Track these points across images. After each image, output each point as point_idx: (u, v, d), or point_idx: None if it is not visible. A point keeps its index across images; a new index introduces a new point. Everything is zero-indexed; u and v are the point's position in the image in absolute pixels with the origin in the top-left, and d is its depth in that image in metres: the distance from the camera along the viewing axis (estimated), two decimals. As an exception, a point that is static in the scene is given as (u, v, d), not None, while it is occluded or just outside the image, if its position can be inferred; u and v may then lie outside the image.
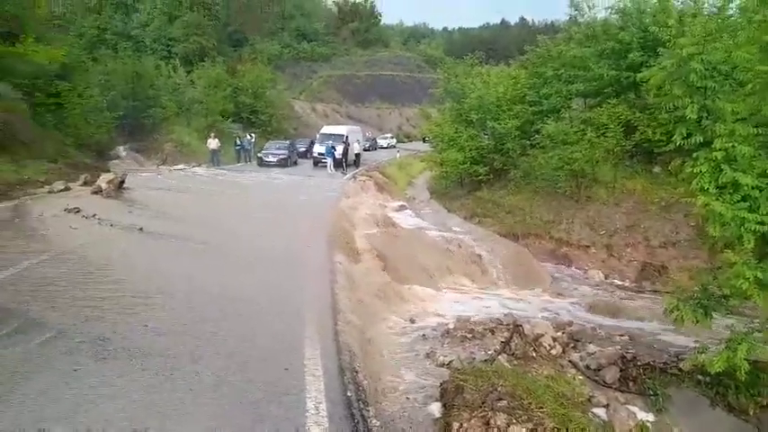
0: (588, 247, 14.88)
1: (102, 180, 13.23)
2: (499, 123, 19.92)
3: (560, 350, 7.64)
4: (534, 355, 7.40)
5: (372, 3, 73.22)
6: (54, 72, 20.05)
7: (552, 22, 73.34)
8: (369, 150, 42.57)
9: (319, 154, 29.04)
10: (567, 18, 22.87)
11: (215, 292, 6.29)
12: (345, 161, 27.96)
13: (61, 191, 12.78)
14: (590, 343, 7.85)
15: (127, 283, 6.32)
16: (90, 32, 41.23)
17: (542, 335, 7.81)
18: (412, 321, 8.31)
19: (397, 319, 8.35)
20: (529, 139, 19.16)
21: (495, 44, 79.10)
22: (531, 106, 20.37)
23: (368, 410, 3.99)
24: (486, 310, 9.64)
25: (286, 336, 5.05)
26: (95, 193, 12.60)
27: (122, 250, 7.96)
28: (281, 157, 28.57)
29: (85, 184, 13.80)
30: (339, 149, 27.81)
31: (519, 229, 16.13)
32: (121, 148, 28.53)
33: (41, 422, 3.21)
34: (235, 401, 3.65)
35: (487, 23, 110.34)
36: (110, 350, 4.26)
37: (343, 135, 30.30)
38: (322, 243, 9.87)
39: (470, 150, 20.61)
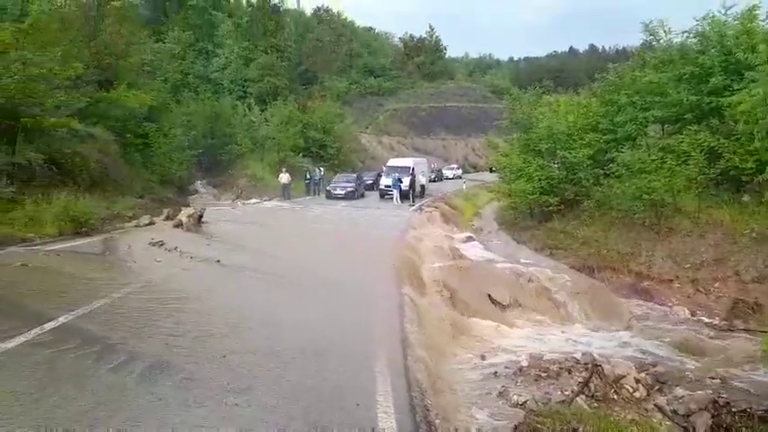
0: (671, 281, 13.99)
1: (183, 214, 14.01)
2: (570, 153, 19.41)
3: (644, 393, 7.16)
4: (616, 397, 6.97)
5: (437, 37, 74.45)
6: (143, 114, 21.72)
7: (624, 47, 71.47)
8: (434, 181, 42.64)
9: (386, 186, 29.43)
10: (640, 43, 22.22)
11: (288, 323, 6.42)
12: (412, 193, 28.15)
13: (146, 225, 13.63)
14: (677, 386, 7.29)
15: (206, 314, 6.58)
16: (174, 77, 44.30)
17: (624, 376, 7.35)
18: (482, 358, 8.09)
19: (466, 354, 8.17)
20: (602, 168, 18.50)
21: (563, 72, 77.94)
22: (604, 134, 19.76)
23: (440, 451, 3.88)
24: (561, 348, 9.21)
25: (356, 369, 5.04)
26: (177, 226, 13.33)
27: (202, 283, 8.33)
28: (348, 189, 29.20)
29: (168, 218, 14.66)
30: (405, 181, 28.07)
31: (594, 262, 15.44)
32: (200, 183, 30.23)
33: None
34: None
35: (555, 52, 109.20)
36: (191, 381, 4.40)
37: (409, 167, 30.63)
38: (389, 275, 9.88)
39: (540, 180, 20.16)
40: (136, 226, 13.51)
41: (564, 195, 19.94)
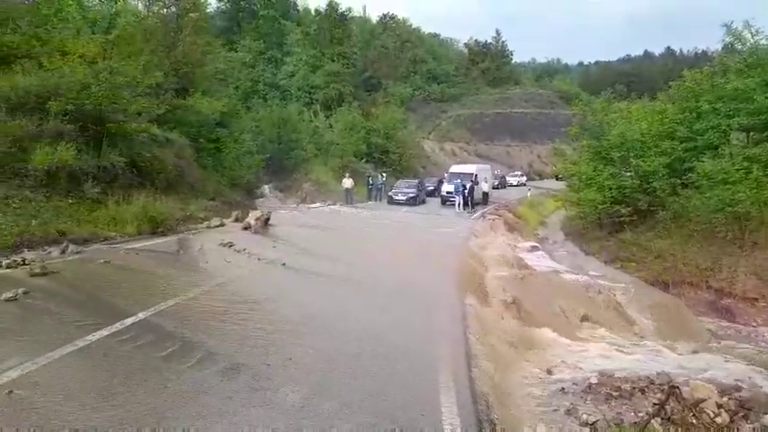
0: (756, 299, 13.01)
1: (251, 217, 14.44)
2: (644, 161, 18.50)
3: (727, 419, 6.62)
4: (695, 422, 6.49)
5: (504, 42, 73.48)
6: (215, 120, 22.65)
7: (704, 51, 67.63)
8: (498, 189, 41.93)
9: (447, 192, 29.20)
10: (722, 46, 20.92)
11: (351, 327, 6.47)
12: (472, 200, 27.77)
13: (217, 226, 14.17)
14: (766, 414, 6.72)
15: (273, 315, 6.73)
16: (245, 84, 46.11)
17: (704, 399, 6.83)
18: (549, 372, 7.78)
19: (532, 368, 7.89)
20: (680, 178, 17.51)
21: (636, 77, 74.72)
22: (681, 143, 18.69)
23: (508, 469, 3.75)
24: (633, 366, 8.72)
25: (420, 379, 4.99)
26: (245, 228, 13.76)
27: (269, 284, 8.55)
28: (409, 195, 29.19)
29: (237, 220, 15.17)
30: (468, 188, 27.72)
31: (669, 277, 14.61)
32: (266, 187, 31.12)
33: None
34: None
35: (628, 56, 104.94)
36: (259, 380, 4.51)
37: (471, 174, 30.24)
38: (452, 284, 9.76)
39: (611, 189, 19.32)
40: (207, 227, 14.07)
41: (637, 205, 19.02)
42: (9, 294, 6.17)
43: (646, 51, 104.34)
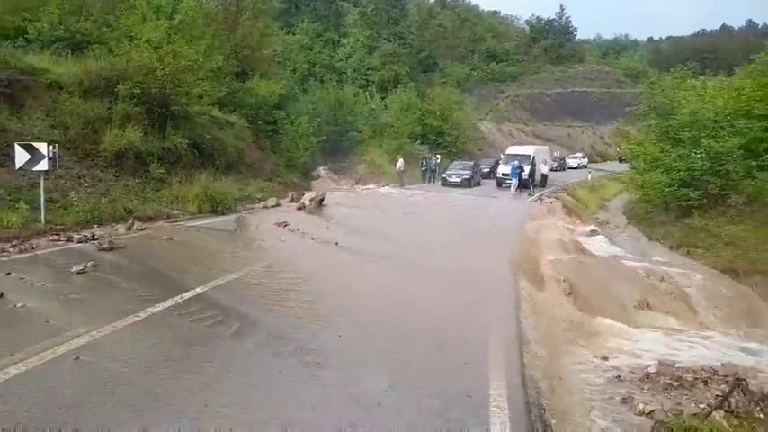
0: (838, 290, 12.03)
1: (306, 198, 14.72)
2: (717, 141, 17.36)
3: (799, 415, 6.22)
4: (762, 416, 6.14)
5: (568, 18, 70.53)
6: (273, 103, 23.09)
7: (790, 23, 62.48)
8: (556, 171, 40.67)
9: (503, 174, 28.63)
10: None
11: (402, 307, 6.50)
12: (533, 182, 27.09)
13: (273, 206, 14.55)
14: (843, 412, 6.25)
15: (325, 294, 6.87)
16: (302, 67, 46.60)
17: (774, 393, 6.44)
18: (604, 359, 7.53)
19: (586, 354, 7.65)
20: (756, 160, 16.33)
21: (713, 53, 69.89)
22: (759, 121, 17.37)
23: (556, 455, 3.67)
24: (695, 356, 8.31)
25: (470, 362, 4.94)
26: (300, 209, 14.05)
27: (322, 263, 8.71)
28: (464, 177, 28.82)
29: (292, 200, 15.51)
30: (525, 170, 27.05)
31: (741, 265, 13.72)
32: (322, 168, 31.49)
33: (246, 413, 3.56)
34: (415, 424, 3.64)
35: (703, 30, 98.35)
36: (310, 356, 4.61)
37: (529, 155, 29.47)
38: (506, 267, 9.58)
39: (679, 172, 18.28)
40: (264, 207, 14.46)
41: (706, 189, 17.91)
42: (79, 267, 6.59)
43: (723, 25, 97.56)
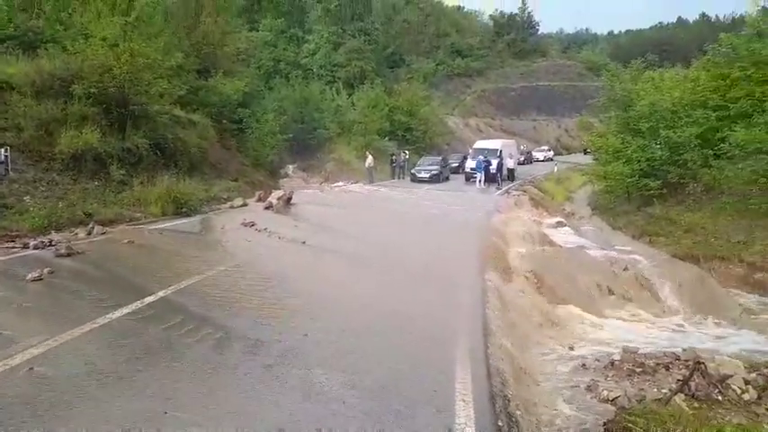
0: (792, 274, 12.54)
1: (273, 197, 14.55)
2: (675, 132, 17.87)
3: (755, 395, 6.43)
4: (720, 398, 6.33)
5: (530, 12, 71.40)
6: (237, 101, 22.68)
7: (741, 15, 64.67)
8: (524, 164, 41.26)
9: (471, 169, 28.88)
10: (757, 11, 19.91)
11: (368, 303, 6.48)
12: (501, 176, 27.42)
13: (240, 206, 14.32)
14: (797, 390, 6.51)
15: (291, 294, 6.79)
16: (267, 64, 45.98)
17: (731, 375, 6.65)
18: (570, 348, 7.69)
19: (552, 344, 7.80)
20: (712, 149, 16.87)
21: (669, 45, 71.86)
22: (714, 111, 17.95)
23: (521, 445, 3.71)
24: (658, 342, 8.56)
25: (435, 355, 4.96)
26: (267, 208, 13.88)
27: (288, 263, 8.61)
28: (433, 172, 29.00)
29: (259, 200, 15.30)
30: (493, 164, 27.36)
31: (700, 251, 14.16)
32: (290, 166, 31.22)
33: (210, 419, 3.49)
34: (380, 420, 3.62)
35: (660, 23, 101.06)
36: (273, 357, 4.54)
37: (496, 149, 29.82)
38: (473, 260, 9.66)
39: (640, 162, 18.76)
40: (230, 207, 14.22)
41: (666, 178, 18.44)
42: (35, 274, 6.35)
43: (679, 18, 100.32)
